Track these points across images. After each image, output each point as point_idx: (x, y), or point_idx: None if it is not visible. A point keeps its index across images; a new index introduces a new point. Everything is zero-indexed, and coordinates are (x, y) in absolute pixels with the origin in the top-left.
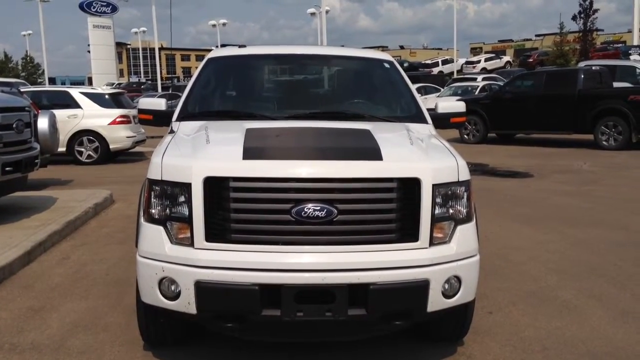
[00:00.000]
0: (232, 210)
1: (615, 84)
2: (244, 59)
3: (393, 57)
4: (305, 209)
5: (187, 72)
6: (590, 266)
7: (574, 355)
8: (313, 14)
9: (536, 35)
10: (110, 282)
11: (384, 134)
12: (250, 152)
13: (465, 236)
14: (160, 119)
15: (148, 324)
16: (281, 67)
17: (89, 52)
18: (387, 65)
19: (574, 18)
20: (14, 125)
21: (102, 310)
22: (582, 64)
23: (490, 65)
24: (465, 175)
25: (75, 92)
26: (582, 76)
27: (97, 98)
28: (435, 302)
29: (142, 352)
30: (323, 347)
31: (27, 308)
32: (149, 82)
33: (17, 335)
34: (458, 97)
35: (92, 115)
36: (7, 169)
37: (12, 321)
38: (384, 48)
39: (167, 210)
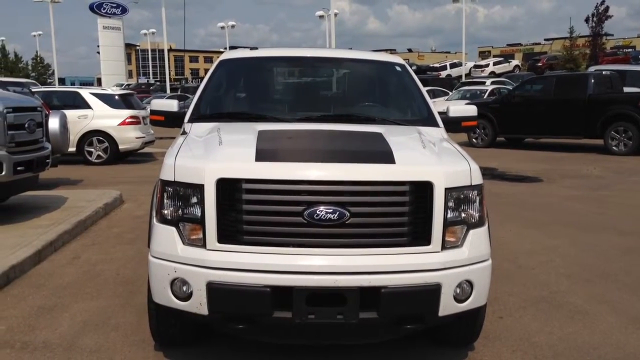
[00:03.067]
0: (244, 212)
1: (626, 89)
2: (255, 61)
3: None
4: (318, 212)
5: (196, 74)
6: (601, 272)
7: None
8: (322, 16)
9: (545, 39)
10: (121, 281)
11: (396, 137)
12: (262, 154)
13: (477, 240)
14: (172, 120)
15: (159, 324)
16: (293, 69)
17: (98, 53)
18: (398, 68)
19: (587, 20)
20: (26, 125)
21: (113, 309)
22: (592, 69)
23: (499, 69)
24: (477, 179)
25: (85, 93)
26: (592, 81)
27: (107, 99)
28: (447, 306)
29: (153, 352)
30: (333, 350)
31: (38, 307)
32: (158, 83)
33: (29, 333)
34: (466, 101)
35: (102, 116)
36: (19, 168)
37: (24, 320)
38: (392, 51)
39: (180, 211)
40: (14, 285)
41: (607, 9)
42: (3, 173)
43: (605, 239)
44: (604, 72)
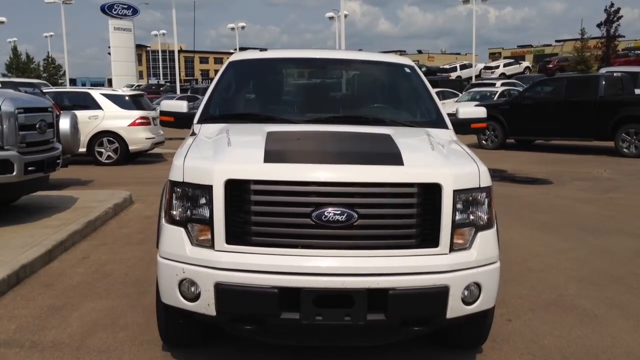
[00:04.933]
0: (252, 213)
1: (637, 91)
2: (265, 63)
3: None
4: (326, 213)
5: (206, 75)
6: (610, 275)
7: None
8: (332, 18)
9: (556, 41)
10: (130, 282)
11: (405, 139)
12: (271, 156)
13: (485, 243)
14: (182, 121)
15: (167, 325)
16: (302, 70)
17: (109, 54)
18: (407, 70)
19: (599, 25)
20: (37, 126)
21: (122, 309)
22: (603, 70)
23: (509, 70)
24: (486, 181)
25: (96, 94)
26: (603, 82)
27: (117, 99)
28: (455, 308)
29: (161, 353)
30: (340, 352)
31: (47, 306)
32: (168, 84)
33: (38, 333)
34: (476, 103)
35: (112, 117)
36: (30, 168)
37: (33, 319)
38: (402, 52)
39: (188, 212)
40: (24, 285)
41: (617, 10)
42: (14, 173)
43: (615, 242)
44: (615, 74)
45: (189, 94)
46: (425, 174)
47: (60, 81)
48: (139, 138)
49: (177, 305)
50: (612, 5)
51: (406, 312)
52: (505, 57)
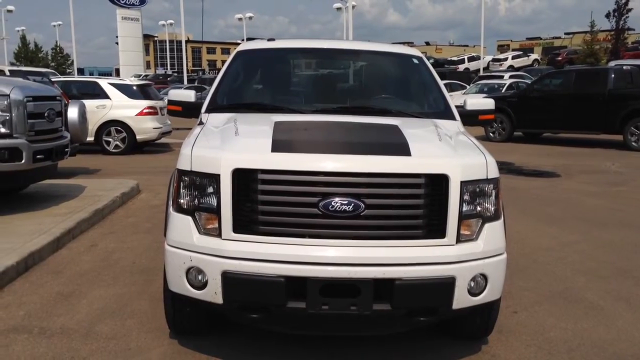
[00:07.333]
0: (259, 202)
1: None
2: (273, 52)
3: None
4: (333, 203)
5: (213, 65)
6: (617, 268)
7: (600, 357)
8: (339, 9)
9: (565, 34)
10: (137, 270)
11: (413, 129)
12: (278, 145)
13: (492, 234)
14: (190, 111)
15: (174, 312)
16: (310, 61)
17: (117, 43)
18: (416, 61)
19: (607, 16)
20: (45, 114)
21: (130, 297)
22: (612, 64)
23: (518, 63)
24: (494, 172)
25: (104, 83)
26: (613, 76)
27: (125, 89)
28: (461, 299)
29: (168, 340)
30: (346, 341)
31: (56, 293)
32: (175, 74)
33: (47, 319)
34: (484, 95)
35: (120, 106)
36: (38, 156)
37: (42, 306)
38: (409, 44)
39: (196, 200)
40: (32, 272)
41: (627, 2)
42: (23, 161)
43: (623, 236)
44: (624, 67)
45: (196, 84)
46: (433, 164)
47: (68, 70)
48: (146, 128)
49: (185, 293)
50: None
51: (412, 302)
52: (513, 50)
